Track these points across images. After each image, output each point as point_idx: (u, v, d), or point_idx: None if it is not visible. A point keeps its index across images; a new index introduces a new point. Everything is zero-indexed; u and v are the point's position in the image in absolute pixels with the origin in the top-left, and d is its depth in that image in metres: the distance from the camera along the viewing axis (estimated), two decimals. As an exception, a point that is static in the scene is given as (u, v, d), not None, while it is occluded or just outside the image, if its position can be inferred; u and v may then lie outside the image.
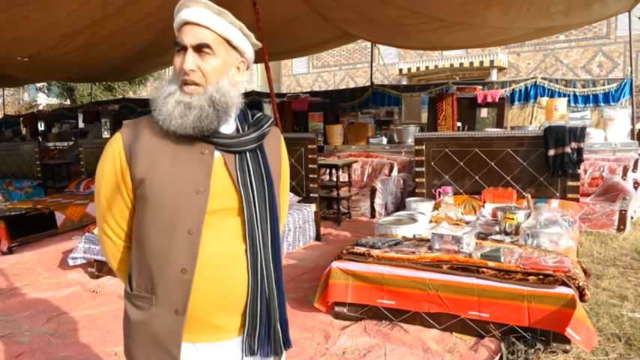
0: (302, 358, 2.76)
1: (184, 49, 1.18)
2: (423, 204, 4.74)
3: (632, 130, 7.20)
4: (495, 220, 4.10)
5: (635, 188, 5.73)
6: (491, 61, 15.31)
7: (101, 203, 1.28)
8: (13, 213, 5.62)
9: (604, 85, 8.10)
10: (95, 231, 4.44)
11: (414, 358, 2.72)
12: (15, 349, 2.97)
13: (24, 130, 13.74)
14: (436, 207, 4.70)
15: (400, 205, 6.68)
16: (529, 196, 4.33)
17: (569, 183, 4.69)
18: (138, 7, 5.92)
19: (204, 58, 1.18)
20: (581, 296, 2.71)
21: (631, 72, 8.26)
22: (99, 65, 8.99)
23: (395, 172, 7.17)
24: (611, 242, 4.86)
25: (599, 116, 7.86)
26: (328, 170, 6.72)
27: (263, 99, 10.72)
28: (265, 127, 1.30)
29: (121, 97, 16.89)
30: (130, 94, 19.07)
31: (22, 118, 14.19)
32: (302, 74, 20.23)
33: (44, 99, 22.51)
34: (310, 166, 5.61)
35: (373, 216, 6.56)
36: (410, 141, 7.76)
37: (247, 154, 1.26)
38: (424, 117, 8.93)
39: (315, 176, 5.64)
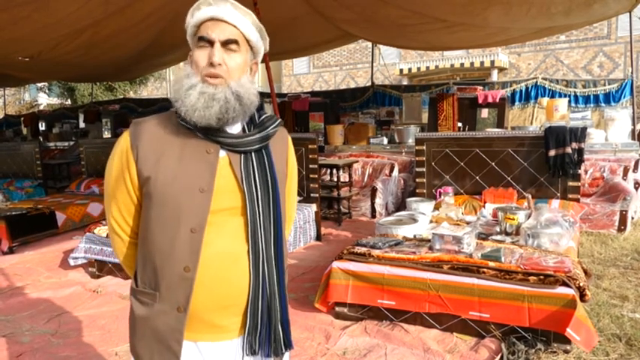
0: (302, 358, 2.76)
1: (210, 43, 1.20)
2: (424, 204, 4.75)
3: (633, 131, 7.20)
4: (496, 221, 4.10)
5: (636, 188, 5.72)
6: (492, 62, 15.31)
7: (110, 199, 1.31)
8: (13, 213, 5.62)
9: (605, 85, 8.11)
10: (96, 231, 4.45)
11: (414, 359, 2.72)
12: (16, 349, 2.98)
13: (25, 130, 13.75)
14: (437, 207, 4.70)
15: (401, 206, 6.68)
16: (530, 197, 4.33)
17: (570, 183, 4.69)
18: (138, 6, 5.92)
19: (230, 54, 1.22)
20: (582, 296, 2.71)
21: (632, 72, 8.27)
22: (100, 65, 9.00)
23: (395, 173, 7.17)
24: (611, 242, 4.86)
25: (600, 116, 7.86)
26: (329, 170, 6.72)
27: (264, 99, 10.72)
28: (270, 128, 1.31)
29: (121, 97, 16.90)
30: (131, 94, 19.08)
31: (22, 118, 14.19)
32: (303, 74, 20.24)
33: (45, 99, 22.53)
34: (311, 166, 5.61)
35: (374, 216, 6.56)
36: (410, 141, 7.76)
37: (252, 154, 1.27)
38: (425, 117, 8.94)
39: (316, 176, 5.64)
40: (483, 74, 15.58)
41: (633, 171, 6.04)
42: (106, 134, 12.06)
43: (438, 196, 5.03)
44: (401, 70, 16.67)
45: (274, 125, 1.32)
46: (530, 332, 2.76)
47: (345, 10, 6.91)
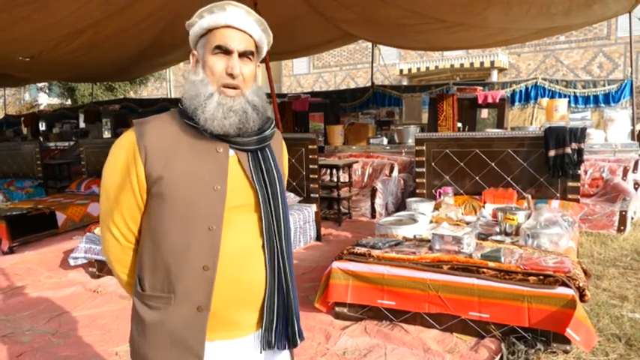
0: (303, 358, 2.77)
1: (227, 52, 1.22)
2: (424, 204, 4.75)
3: (633, 131, 7.20)
4: (496, 221, 4.11)
5: (636, 189, 5.73)
6: (492, 62, 15.30)
7: (110, 203, 1.26)
8: (14, 213, 5.63)
9: (604, 85, 8.11)
10: (97, 231, 4.44)
11: (414, 359, 2.72)
12: (16, 349, 2.98)
13: (25, 130, 13.74)
14: (436, 207, 4.70)
15: (401, 206, 6.69)
16: (529, 197, 4.33)
17: (570, 184, 4.69)
18: (138, 7, 5.93)
19: (246, 63, 1.24)
20: (582, 297, 2.72)
21: (631, 73, 8.27)
22: (100, 65, 9.00)
23: (395, 173, 7.17)
24: (611, 243, 4.86)
25: (600, 117, 7.87)
26: (329, 170, 6.72)
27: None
28: (269, 130, 1.33)
29: (121, 97, 16.90)
30: (131, 94, 19.07)
31: (23, 118, 14.19)
32: (303, 74, 20.23)
33: (45, 99, 22.51)
34: (311, 166, 5.61)
35: (374, 216, 6.57)
36: (410, 141, 7.76)
37: (258, 152, 1.30)
38: (425, 117, 8.94)
39: (316, 176, 5.64)
40: (483, 74, 15.58)
41: (633, 171, 6.05)
42: (106, 134, 12.05)
43: (437, 197, 5.03)
44: (401, 71, 16.67)
45: (272, 127, 1.35)
46: (529, 332, 2.77)
47: (345, 10, 6.92)
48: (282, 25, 7.44)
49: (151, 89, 22.02)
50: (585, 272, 3.14)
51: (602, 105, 8.03)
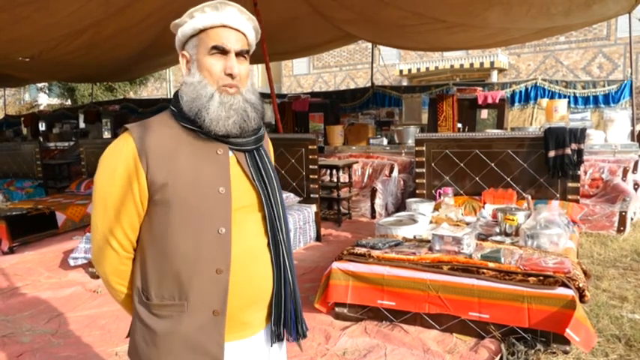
0: (302, 358, 2.77)
1: (224, 52, 1.22)
2: (424, 205, 4.75)
3: (632, 132, 7.20)
4: (496, 221, 4.11)
5: (635, 189, 5.73)
6: (492, 63, 15.31)
7: (108, 213, 1.21)
8: (14, 213, 5.62)
9: (604, 86, 8.11)
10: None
11: (414, 359, 2.73)
12: (16, 349, 2.98)
13: (25, 130, 13.74)
14: (436, 208, 4.70)
15: (400, 206, 6.68)
16: (529, 197, 4.34)
17: (570, 184, 4.70)
18: (139, 7, 5.93)
19: (241, 62, 1.25)
20: (581, 297, 2.72)
21: (631, 73, 8.27)
22: (100, 65, 9.00)
23: (395, 173, 7.17)
24: (611, 243, 4.86)
25: (600, 117, 7.87)
26: (329, 171, 6.72)
27: (264, 99, 10.70)
28: (261, 130, 1.34)
29: (121, 97, 16.90)
30: (131, 95, 19.08)
31: (23, 118, 14.19)
32: (302, 75, 20.23)
33: (45, 99, 22.51)
34: (311, 166, 5.61)
35: (373, 217, 6.57)
36: (410, 142, 7.76)
37: (254, 152, 1.30)
38: (424, 118, 8.94)
39: (316, 177, 5.64)
40: (483, 75, 15.59)
41: (632, 172, 6.05)
42: (106, 134, 12.04)
43: (437, 197, 5.03)
44: (401, 71, 16.68)
45: (262, 127, 1.36)
46: (529, 333, 2.77)
47: (345, 11, 6.92)
48: (282, 25, 7.45)
49: (150, 89, 22.03)
50: (585, 273, 3.14)
51: (602, 105, 8.03)
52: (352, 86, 16.93)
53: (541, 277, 2.77)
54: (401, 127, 8.56)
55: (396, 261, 3.19)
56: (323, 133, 9.11)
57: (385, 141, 8.40)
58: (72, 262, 4.50)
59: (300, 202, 5.57)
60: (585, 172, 6.16)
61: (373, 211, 6.62)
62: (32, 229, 5.67)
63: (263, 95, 9.81)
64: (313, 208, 5.50)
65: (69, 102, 19.12)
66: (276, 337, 1.32)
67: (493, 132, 5.92)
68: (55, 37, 6.66)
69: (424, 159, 5.26)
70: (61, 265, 4.77)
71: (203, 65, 1.22)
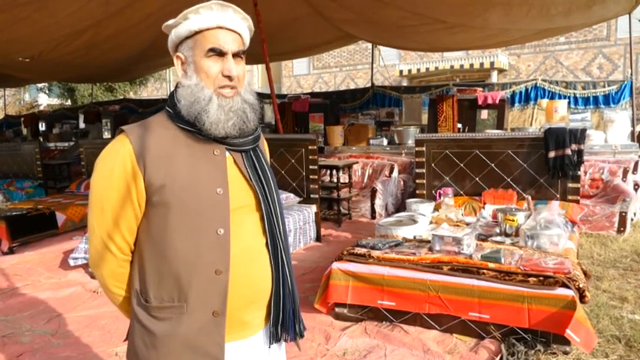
0: (302, 358, 2.77)
1: (221, 54, 1.21)
2: (424, 205, 4.75)
3: (632, 132, 7.20)
4: (496, 222, 4.11)
5: (635, 190, 5.73)
6: (492, 63, 15.31)
7: (105, 216, 1.20)
8: (14, 213, 5.62)
9: (604, 86, 8.11)
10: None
11: (414, 359, 2.72)
12: (16, 349, 2.98)
13: (25, 131, 13.74)
14: (436, 208, 4.70)
15: (400, 206, 6.68)
16: (529, 198, 4.33)
17: (570, 185, 4.69)
18: (139, 7, 5.94)
19: (238, 63, 1.25)
20: (582, 298, 2.72)
21: (631, 74, 8.26)
22: (100, 65, 9.00)
23: (395, 174, 7.17)
24: (611, 244, 4.86)
25: (600, 118, 7.86)
26: (329, 171, 6.72)
27: (264, 100, 10.74)
28: (258, 129, 1.35)
29: (121, 97, 16.90)
30: (131, 95, 19.08)
31: (22, 119, 14.19)
32: (302, 75, 20.23)
33: (45, 99, 22.52)
34: (311, 167, 5.61)
35: (373, 217, 6.57)
36: (410, 142, 7.76)
37: (250, 152, 1.30)
38: (424, 118, 8.93)
39: (316, 177, 5.64)
40: (483, 75, 15.59)
41: (633, 172, 6.05)
42: (106, 135, 12.04)
43: (437, 197, 5.03)
44: (401, 72, 16.68)
45: (258, 127, 1.36)
46: (529, 333, 2.77)
47: (344, 11, 6.92)
48: (282, 25, 7.45)
49: (150, 90, 22.03)
50: (585, 273, 3.14)
51: (602, 106, 8.02)
52: (352, 86, 16.94)
53: (541, 278, 2.77)
54: (401, 128, 8.56)
55: (396, 261, 3.19)
56: (323, 134, 9.11)
57: (385, 141, 8.40)
58: (72, 263, 4.50)
59: (300, 202, 5.57)
60: (585, 173, 6.15)
61: (373, 211, 6.62)
62: (32, 229, 5.67)
63: (263, 95, 9.81)
64: (313, 208, 5.50)
65: (69, 102, 19.13)
66: (274, 337, 1.32)
67: (493, 132, 5.92)
68: (55, 37, 6.66)
69: (424, 159, 5.26)
70: (61, 266, 4.76)
71: (200, 67, 1.21)
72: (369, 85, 10.43)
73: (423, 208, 4.66)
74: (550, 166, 4.68)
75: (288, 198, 5.35)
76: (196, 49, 1.22)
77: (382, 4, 6.26)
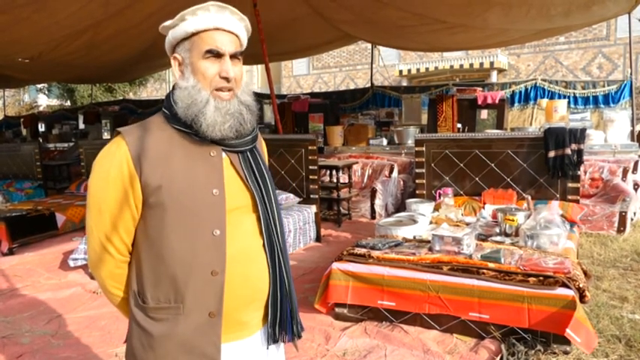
0: (302, 359, 2.76)
1: (218, 55, 1.21)
2: (424, 205, 4.75)
3: (632, 132, 7.21)
4: (496, 222, 4.11)
5: (635, 190, 5.73)
6: (492, 63, 15.32)
7: (103, 217, 1.21)
8: (13, 214, 5.62)
9: (604, 86, 8.11)
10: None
11: (414, 359, 2.72)
12: (16, 350, 2.98)
13: (24, 131, 13.75)
14: (436, 208, 4.70)
15: (400, 207, 6.68)
16: (529, 198, 4.33)
17: (570, 184, 4.69)
18: (139, 7, 5.94)
19: (236, 64, 1.24)
20: (582, 297, 2.72)
21: (631, 73, 8.25)
22: (100, 66, 9.01)
23: (395, 174, 7.17)
24: (611, 244, 4.86)
25: (599, 118, 7.87)
26: (328, 171, 6.72)
27: (263, 100, 10.74)
28: (257, 129, 1.35)
29: (121, 98, 16.90)
30: (131, 95, 19.09)
31: (22, 119, 14.20)
32: (302, 75, 20.24)
33: (45, 100, 22.52)
34: (310, 167, 5.61)
35: (373, 217, 6.57)
36: (410, 142, 7.76)
37: (247, 153, 1.30)
38: (424, 118, 8.93)
39: (316, 177, 5.64)
40: (483, 75, 15.60)
41: (632, 172, 6.05)
42: (106, 135, 12.04)
43: (437, 197, 5.03)
44: (400, 72, 16.69)
45: (256, 127, 1.36)
46: (529, 333, 2.77)
47: (344, 11, 6.93)
48: (282, 25, 7.45)
49: (150, 90, 22.04)
50: (585, 273, 3.14)
51: (602, 106, 8.02)
52: (352, 87, 16.94)
53: (541, 278, 2.77)
54: (401, 128, 8.57)
55: (396, 261, 3.19)
56: (323, 134, 9.11)
57: (385, 141, 8.40)
58: (72, 263, 4.49)
59: (300, 202, 5.57)
60: (585, 172, 6.15)
61: (373, 211, 6.62)
62: (32, 230, 5.67)
63: (262, 96, 9.80)
64: (313, 208, 5.49)
65: (68, 103, 19.14)
66: (272, 338, 1.32)
67: (493, 132, 5.92)
68: (55, 38, 6.66)
69: (424, 159, 5.26)
70: (61, 266, 4.76)
71: (197, 69, 1.21)
72: (369, 85, 10.43)
73: (422, 208, 4.66)
74: (550, 165, 4.67)
75: (287, 198, 5.34)
76: (193, 50, 1.22)
77: (382, 4, 6.27)
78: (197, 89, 1.21)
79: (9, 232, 5.33)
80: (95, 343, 3.07)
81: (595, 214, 5.38)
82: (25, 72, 9.29)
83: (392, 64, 16.41)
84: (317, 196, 5.64)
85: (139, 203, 1.20)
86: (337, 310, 3.31)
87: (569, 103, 8.00)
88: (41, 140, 11.54)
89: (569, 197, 4.68)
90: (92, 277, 4.38)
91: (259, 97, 11.00)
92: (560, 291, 2.67)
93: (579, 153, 4.60)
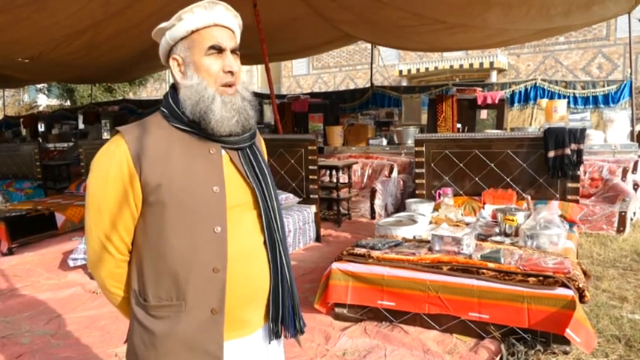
0: (302, 359, 2.76)
1: (220, 51, 1.22)
2: (423, 205, 4.75)
3: (632, 132, 7.21)
4: (495, 222, 4.11)
5: (635, 190, 5.73)
6: (491, 63, 15.32)
7: (102, 216, 1.20)
8: (13, 214, 5.62)
9: (604, 86, 8.11)
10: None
11: (414, 359, 2.72)
12: (16, 350, 2.98)
13: (24, 131, 13.75)
14: (436, 208, 4.70)
15: (400, 207, 6.68)
16: (529, 198, 4.33)
17: (569, 184, 4.69)
18: (139, 7, 5.93)
19: (235, 59, 1.26)
20: (581, 297, 2.72)
21: (630, 73, 8.26)
22: (100, 66, 9.01)
23: (395, 174, 7.17)
24: (610, 244, 4.86)
25: (599, 118, 7.87)
26: (328, 171, 6.72)
27: (263, 100, 10.74)
28: (256, 126, 1.35)
29: (121, 98, 16.90)
30: (130, 95, 19.09)
31: (22, 119, 14.20)
32: (302, 75, 20.24)
33: (44, 100, 22.52)
34: (310, 167, 5.61)
35: (373, 217, 6.57)
36: (410, 142, 7.76)
37: (247, 150, 1.31)
38: (424, 118, 8.94)
39: (315, 177, 5.64)
40: (482, 75, 15.60)
41: (632, 172, 6.05)
42: (106, 135, 12.06)
43: (437, 197, 5.03)
44: (400, 72, 16.69)
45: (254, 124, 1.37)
46: (529, 333, 2.77)
47: (344, 12, 6.92)
48: (282, 25, 7.45)
49: (150, 90, 22.03)
50: (585, 273, 3.14)
51: (602, 106, 8.03)
52: (352, 87, 16.95)
53: (541, 278, 2.77)
54: (400, 128, 8.57)
55: (395, 261, 3.19)
56: (322, 134, 9.12)
57: (385, 141, 8.40)
58: (71, 263, 4.49)
59: (299, 202, 5.57)
60: (585, 173, 6.15)
61: (373, 211, 6.62)
62: (32, 230, 5.67)
63: (262, 96, 9.80)
64: (313, 208, 5.49)
65: (68, 103, 19.14)
66: (274, 334, 1.32)
67: (493, 132, 5.92)
68: (55, 38, 6.66)
69: (424, 159, 5.26)
70: (61, 266, 4.76)
71: (200, 66, 1.22)
72: (369, 85, 10.43)
73: (422, 208, 4.66)
74: (549, 165, 4.67)
75: (287, 198, 5.34)
76: (194, 48, 1.22)
77: (381, 4, 6.26)
78: (203, 86, 1.21)
79: (9, 232, 5.32)
80: (95, 343, 3.07)
81: (595, 214, 5.38)
82: (25, 72, 9.29)
83: (392, 64, 16.42)
84: (317, 196, 5.64)
85: (138, 202, 1.20)
86: (337, 310, 3.31)
87: (568, 103, 8.00)
88: (41, 140, 11.53)
89: (569, 197, 4.68)
90: (92, 277, 4.38)
91: (259, 97, 11.01)
92: (560, 291, 2.67)
93: (579, 153, 4.60)
